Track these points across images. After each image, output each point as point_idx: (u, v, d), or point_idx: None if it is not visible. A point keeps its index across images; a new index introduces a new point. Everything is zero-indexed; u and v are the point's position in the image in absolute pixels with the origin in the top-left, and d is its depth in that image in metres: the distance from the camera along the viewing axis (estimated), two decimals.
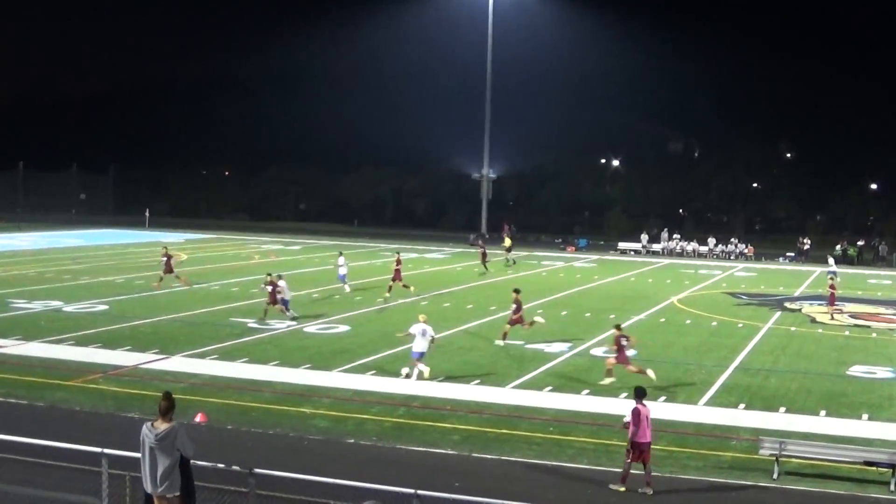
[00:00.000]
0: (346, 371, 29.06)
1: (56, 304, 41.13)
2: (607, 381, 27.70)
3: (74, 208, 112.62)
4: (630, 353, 28.68)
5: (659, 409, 24.87)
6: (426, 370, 28.12)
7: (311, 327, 36.51)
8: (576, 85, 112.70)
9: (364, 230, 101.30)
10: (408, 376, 28.13)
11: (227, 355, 30.96)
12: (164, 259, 48.31)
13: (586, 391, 26.90)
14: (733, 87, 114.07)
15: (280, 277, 38.24)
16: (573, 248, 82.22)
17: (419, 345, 28.22)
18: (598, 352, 32.97)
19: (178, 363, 29.83)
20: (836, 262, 61.34)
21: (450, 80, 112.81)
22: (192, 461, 13.92)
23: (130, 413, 23.25)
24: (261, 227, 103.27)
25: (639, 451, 18.84)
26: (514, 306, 34.57)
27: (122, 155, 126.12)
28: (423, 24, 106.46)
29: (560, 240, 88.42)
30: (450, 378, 28.21)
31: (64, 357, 30.35)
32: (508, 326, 34.16)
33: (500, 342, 33.74)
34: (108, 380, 27.33)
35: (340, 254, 51.90)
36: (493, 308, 42.67)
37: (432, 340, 28.70)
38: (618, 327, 29.41)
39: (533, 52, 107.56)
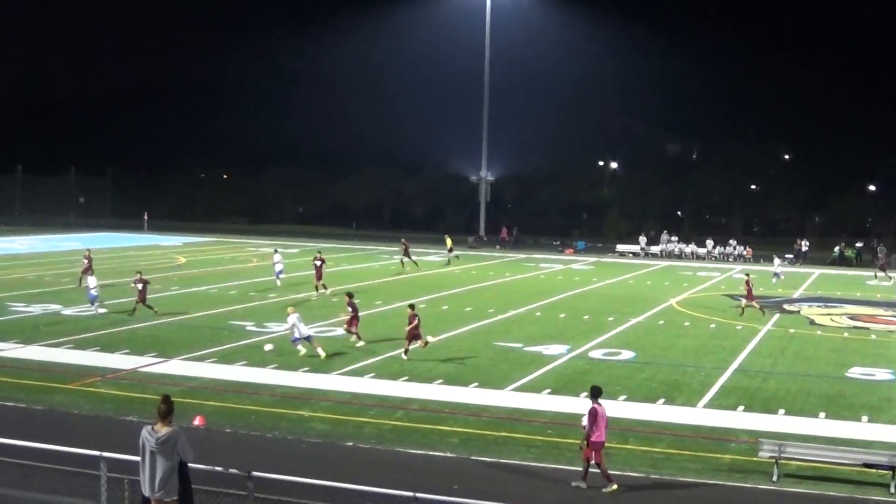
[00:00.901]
0: (344, 374, 29.06)
1: (55, 307, 41.12)
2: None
3: (73, 212, 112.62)
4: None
5: (657, 412, 24.94)
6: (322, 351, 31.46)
7: (310, 330, 36.42)
8: (574, 87, 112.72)
9: (362, 233, 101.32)
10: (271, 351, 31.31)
11: (226, 358, 30.96)
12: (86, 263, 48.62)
13: (585, 393, 26.80)
14: (731, 88, 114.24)
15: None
16: (571, 251, 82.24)
17: (303, 330, 31.60)
18: (597, 354, 32.99)
19: (177, 366, 29.83)
20: (834, 263, 61.23)
21: (448, 82, 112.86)
22: (190, 464, 13.90)
23: (129, 416, 23.22)
24: (259, 230, 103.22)
25: (594, 449, 18.93)
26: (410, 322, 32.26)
27: (121, 158, 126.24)
28: (421, 27, 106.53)
29: (558, 242, 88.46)
30: (448, 381, 28.20)
31: (62, 360, 30.36)
32: (407, 342, 32.25)
33: (404, 356, 31.86)
34: (106, 383, 27.33)
35: (276, 251, 53.60)
36: (492, 311, 42.68)
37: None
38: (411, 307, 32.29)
39: (531, 53, 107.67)
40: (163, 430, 13.61)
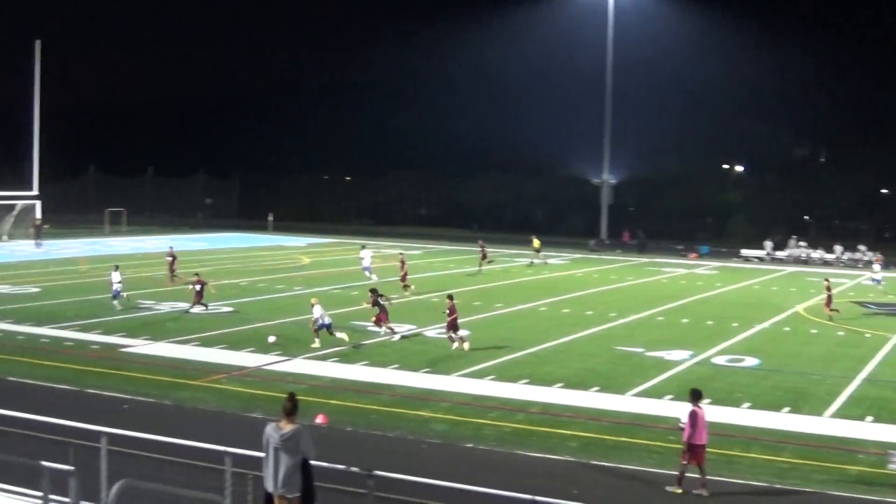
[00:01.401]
0: (464, 375, 29.14)
1: (183, 305, 41.94)
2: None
3: (201, 212, 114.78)
4: None
5: (782, 420, 24.53)
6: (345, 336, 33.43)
7: (431, 332, 36.68)
8: (698, 88, 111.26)
9: (483, 235, 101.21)
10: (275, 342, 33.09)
11: (348, 358, 31.28)
12: (169, 259, 51.26)
13: (707, 400, 26.48)
14: (861, 89, 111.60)
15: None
16: (695, 255, 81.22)
17: (326, 318, 33.39)
18: (720, 360, 32.57)
19: (300, 365, 30.24)
20: None
21: (569, 83, 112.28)
22: (312, 462, 14.10)
23: (254, 413, 23.62)
24: (382, 231, 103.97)
25: (694, 453, 18.70)
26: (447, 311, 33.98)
27: (247, 160, 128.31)
28: (542, 28, 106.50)
29: (681, 246, 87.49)
30: (569, 384, 28.13)
31: (190, 357, 31.01)
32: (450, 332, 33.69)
33: (458, 347, 33.11)
34: (232, 380, 27.84)
35: (363, 247, 56.38)
36: (613, 315, 42.42)
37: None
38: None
39: (654, 54, 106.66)
40: (287, 427, 13.82)
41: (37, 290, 47.01)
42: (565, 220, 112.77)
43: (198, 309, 39.96)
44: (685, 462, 18.76)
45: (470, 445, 21.81)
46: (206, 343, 33.32)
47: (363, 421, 23.51)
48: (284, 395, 14.40)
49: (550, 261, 71.12)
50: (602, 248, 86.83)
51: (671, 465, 20.42)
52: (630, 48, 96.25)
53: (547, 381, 28.35)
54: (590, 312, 43.43)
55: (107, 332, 34.93)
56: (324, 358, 31.22)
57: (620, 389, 27.73)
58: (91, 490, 14.84)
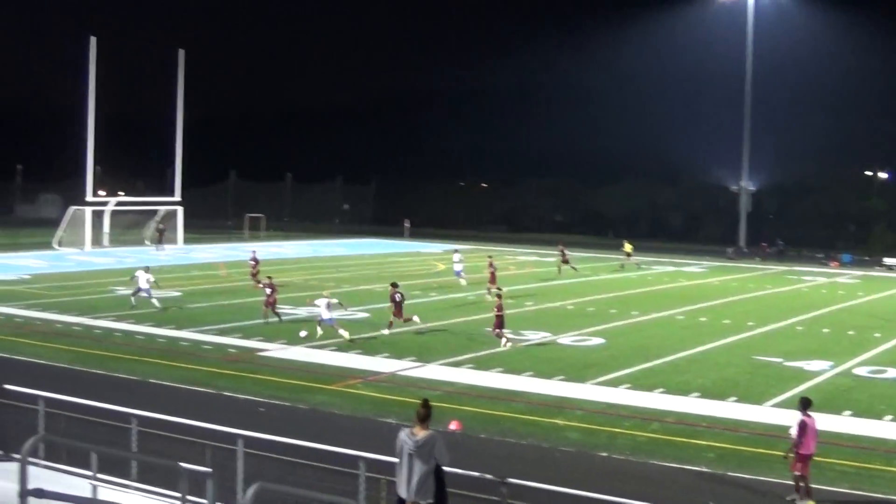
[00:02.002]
0: (599, 384, 28.90)
1: (317, 310, 42.38)
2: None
3: (338, 218, 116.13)
4: None
5: None
6: (346, 333, 34.86)
7: (566, 339, 36.50)
8: (840, 92, 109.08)
9: (619, 242, 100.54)
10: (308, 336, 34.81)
11: (482, 364, 31.27)
12: (253, 263, 52.23)
13: (848, 412, 25.90)
14: None
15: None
16: (836, 264, 79.37)
17: (325, 313, 35.02)
18: (861, 371, 31.76)
19: (435, 371, 30.33)
20: None
21: (707, 88, 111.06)
22: (445, 468, 14.10)
23: (387, 418, 23.76)
24: (517, 238, 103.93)
25: (801, 462, 18.39)
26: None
27: (384, 167, 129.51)
28: (678, 32, 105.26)
29: (822, 254, 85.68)
30: (705, 394, 27.71)
31: (325, 362, 31.36)
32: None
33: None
34: (366, 385, 28.06)
35: (456, 250, 57.99)
36: (751, 324, 41.68)
37: (340, 305, 36.83)
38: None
39: (795, 56, 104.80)
40: (421, 433, 13.84)
41: (178, 293, 48.03)
42: (702, 227, 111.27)
43: (271, 319, 38.66)
44: (798, 472, 18.42)
45: (604, 454, 21.64)
46: (342, 348, 33.63)
47: (497, 428, 23.48)
48: (418, 401, 14.43)
49: (686, 268, 70.28)
50: (740, 256, 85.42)
51: (812, 478, 19.98)
52: (770, 51, 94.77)
53: (683, 391, 27.97)
54: (727, 321, 42.74)
55: (245, 336, 35.50)
56: (458, 364, 31.28)
57: (758, 400, 27.20)
58: (227, 492, 15.06)
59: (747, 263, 78.55)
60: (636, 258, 70.99)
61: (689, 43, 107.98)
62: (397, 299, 36.88)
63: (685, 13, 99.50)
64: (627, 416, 25.05)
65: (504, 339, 34.33)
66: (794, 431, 18.68)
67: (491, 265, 50.34)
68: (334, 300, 36.33)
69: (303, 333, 35.29)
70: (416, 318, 37.10)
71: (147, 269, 43.48)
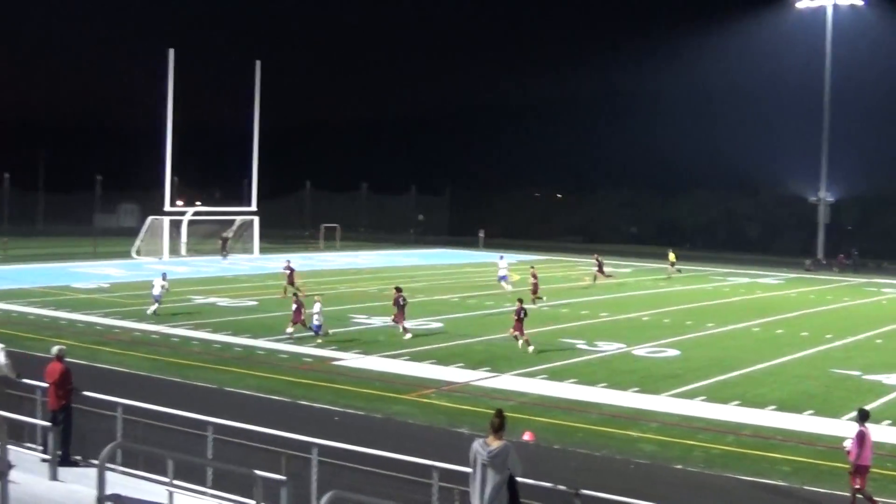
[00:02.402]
0: (674, 396, 28.70)
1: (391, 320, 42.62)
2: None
3: (412, 228, 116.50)
4: None
5: None
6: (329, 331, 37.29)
7: (641, 350, 36.30)
8: None
9: (695, 253, 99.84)
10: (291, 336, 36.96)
11: (556, 375, 31.19)
12: (288, 271, 53.21)
13: None
14: None
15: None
16: None
17: (318, 319, 36.70)
18: None
19: (508, 381, 30.30)
20: None
21: (785, 97, 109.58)
22: (519, 479, 14.08)
23: (461, 428, 23.78)
24: (592, 249, 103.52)
25: (860, 474, 18.15)
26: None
27: (458, 178, 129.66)
28: (756, 41, 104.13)
29: None
30: (782, 407, 27.40)
31: (400, 371, 31.45)
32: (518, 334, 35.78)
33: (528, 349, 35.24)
34: (440, 395, 28.10)
35: (501, 257, 59.81)
36: (829, 336, 41.14)
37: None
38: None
39: (875, 66, 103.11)
40: (495, 443, 13.82)
41: (254, 303, 48.45)
42: (779, 238, 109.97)
43: (291, 329, 37.65)
44: (858, 486, 18.18)
45: (678, 467, 21.49)
46: (416, 358, 33.72)
47: (570, 439, 23.41)
48: (492, 412, 14.42)
49: (762, 280, 69.62)
50: (818, 268, 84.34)
51: (888, 493, 19.72)
52: (849, 59, 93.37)
53: (759, 404, 27.68)
54: (805, 333, 42.24)
55: (320, 346, 35.72)
56: (532, 375, 31.22)
57: (835, 413, 26.83)
58: (302, 500, 15.19)
59: (825, 275, 77.57)
60: (679, 265, 71.19)
61: (767, 51, 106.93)
62: (401, 303, 38.42)
63: (763, 21, 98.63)
64: (702, 429, 24.85)
65: (521, 342, 35.45)
66: (849, 444, 18.48)
67: (534, 275, 51.09)
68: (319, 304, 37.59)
69: (289, 330, 37.42)
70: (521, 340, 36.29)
71: (164, 277, 44.42)
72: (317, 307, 37.03)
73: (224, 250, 78.82)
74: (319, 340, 36.41)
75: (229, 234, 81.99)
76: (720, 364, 33.62)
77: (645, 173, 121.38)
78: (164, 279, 43.92)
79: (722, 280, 68.75)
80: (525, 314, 35.80)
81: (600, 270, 61.98)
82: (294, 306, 38.32)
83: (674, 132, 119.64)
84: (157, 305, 42.92)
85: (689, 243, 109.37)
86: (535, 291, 49.91)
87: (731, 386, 30.19)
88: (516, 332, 35.45)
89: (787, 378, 31.88)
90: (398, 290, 39.45)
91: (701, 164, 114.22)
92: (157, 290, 43.20)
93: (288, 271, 52.87)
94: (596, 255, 64.92)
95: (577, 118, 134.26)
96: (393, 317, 39.23)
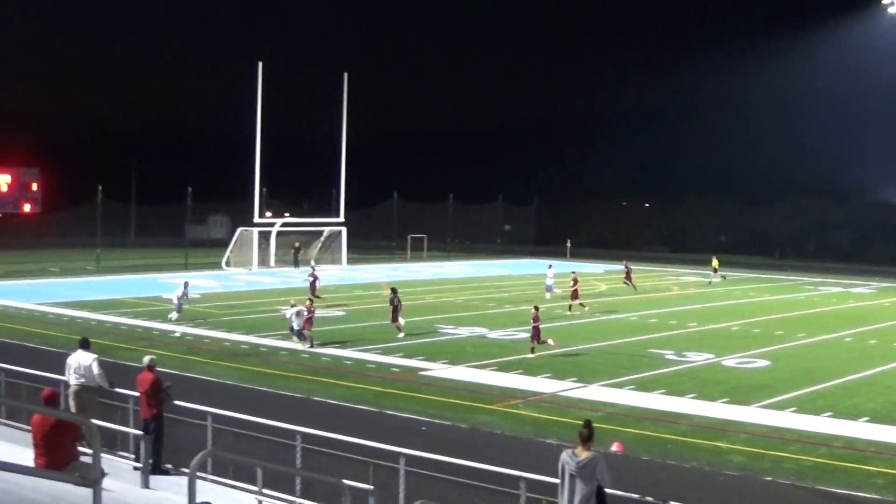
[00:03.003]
0: (764, 407, 28.35)
1: (481, 330, 42.63)
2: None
3: (499, 238, 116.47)
4: None
5: None
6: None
7: (730, 360, 35.94)
8: None
9: (785, 263, 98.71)
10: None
11: (644, 386, 30.98)
12: (311, 279, 53.26)
13: None
14: None
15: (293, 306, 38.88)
16: None
17: (294, 323, 37.09)
18: None
19: (596, 392, 30.16)
20: None
21: (876, 103, 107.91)
22: (607, 490, 14.02)
23: (548, 439, 23.72)
24: (679, 258, 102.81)
25: None
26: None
27: (545, 187, 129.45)
28: (844, 46, 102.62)
29: None
30: (876, 418, 26.95)
31: (486, 382, 31.43)
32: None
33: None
34: (527, 405, 28.04)
35: (550, 266, 59.82)
36: None
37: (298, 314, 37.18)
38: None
39: None
40: (583, 454, 13.79)
41: (342, 313, 48.75)
42: (872, 246, 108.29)
43: (302, 345, 37.56)
44: None
45: (769, 479, 21.22)
46: (503, 368, 33.70)
47: (659, 450, 23.24)
48: (579, 422, 14.39)
49: (855, 289, 68.58)
50: None
51: None
52: None
53: (851, 415, 27.26)
54: None
55: (407, 356, 35.85)
56: (620, 385, 31.05)
57: None
58: None
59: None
60: (722, 272, 72.75)
61: (857, 57, 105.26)
62: (395, 303, 39.71)
63: (853, 26, 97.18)
64: (793, 440, 24.52)
65: (532, 350, 36.12)
66: None
67: (574, 281, 51.30)
68: (299, 308, 37.79)
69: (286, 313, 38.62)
70: (551, 342, 36.66)
71: (186, 284, 45.15)
72: (291, 311, 37.43)
73: (295, 261, 79.00)
74: (296, 341, 37.34)
75: (297, 243, 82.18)
76: (811, 375, 33.18)
77: (733, 181, 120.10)
78: (185, 287, 44.64)
79: (813, 289, 67.85)
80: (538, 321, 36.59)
81: (627, 278, 61.59)
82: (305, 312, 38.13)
83: (762, 140, 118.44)
84: (176, 314, 43.56)
85: (778, 252, 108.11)
86: (574, 297, 50.49)
87: (823, 397, 29.77)
88: (534, 342, 36.12)
89: (881, 389, 31.36)
90: (394, 291, 41.48)
91: (790, 171, 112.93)
92: (177, 294, 44.02)
93: (312, 278, 53.14)
94: (625, 262, 64.72)
95: (665, 126, 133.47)
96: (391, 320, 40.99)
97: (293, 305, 38.24)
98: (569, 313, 49.05)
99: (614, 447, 22.70)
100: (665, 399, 29.12)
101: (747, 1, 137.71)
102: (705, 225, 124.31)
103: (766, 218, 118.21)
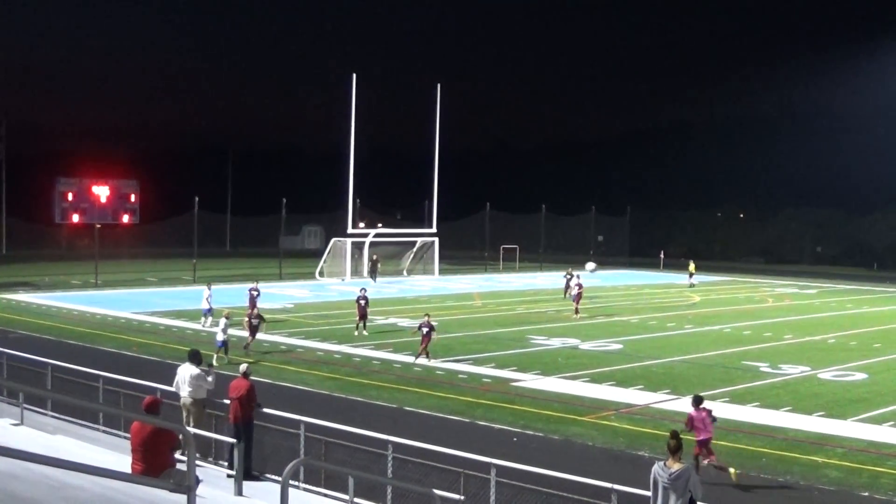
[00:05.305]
0: (861, 420, 27.89)
1: (573, 341, 42.48)
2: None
3: (592, 249, 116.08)
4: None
5: None
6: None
7: (826, 374, 35.41)
8: None
9: (885, 274, 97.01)
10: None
11: (739, 398, 30.64)
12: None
13: None
14: None
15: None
16: None
17: (220, 335, 35.84)
18: None
19: (689, 404, 29.83)
20: None
21: None
22: (699, 503, 13.94)
23: (640, 451, 23.59)
24: (775, 269, 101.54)
25: None
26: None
27: (638, 198, 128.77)
28: None
29: None
30: None
31: (578, 393, 31.31)
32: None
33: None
34: (620, 417, 27.89)
35: (578, 276, 59.61)
36: None
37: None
38: None
39: None
40: (675, 466, 13.73)
41: (434, 324, 48.81)
42: None
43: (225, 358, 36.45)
44: None
45: (865, 494, 20.88)
46: (596, 379, 33.55)
47: (753, 464, 22.98)
48: (669, 434, 14.31)
49: None
50: None
51: None
52: None
53: None
54: None
55: (499, 367, 35.84)
56: (714, 398, 30.61)
57: None
58: None
59: None
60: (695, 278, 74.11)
61: None
62: (424, 332, 37.03)
63: None
64: (891, 455, 24.07)
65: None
66: None
67: (579, 285, 53.97)
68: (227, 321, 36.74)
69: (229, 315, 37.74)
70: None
71: (209, 286, 46.95)
72: (222, 323, 36.52)
73: (374, 272, 78.46)
74: (224, 357, 35.48)
75: (375, 255, 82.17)
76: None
77: (829, 192, 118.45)
78: (208, 288, 46.55)
79: None
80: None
81: (572, 292, 55.91)
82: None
83: (860, 148, 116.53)
84: (205, 319, 45.31)
85: (876, 263, 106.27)
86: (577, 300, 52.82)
87: None
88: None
89: None
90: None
91: (889, 182, 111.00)
92: (204, 305, 45.90)
93: (363, 301, 48.97)
94: (569, 271, 65.15)
95: (759, 136, 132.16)
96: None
97: (227, 317, 37.21)
98: (576, 316, 51.34)
99: (707, 460, 22.47)
100: (760, 412, 28.77)
101: (847, 10, 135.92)
102: (802, 236, 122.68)
103: (864, 229, 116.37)
